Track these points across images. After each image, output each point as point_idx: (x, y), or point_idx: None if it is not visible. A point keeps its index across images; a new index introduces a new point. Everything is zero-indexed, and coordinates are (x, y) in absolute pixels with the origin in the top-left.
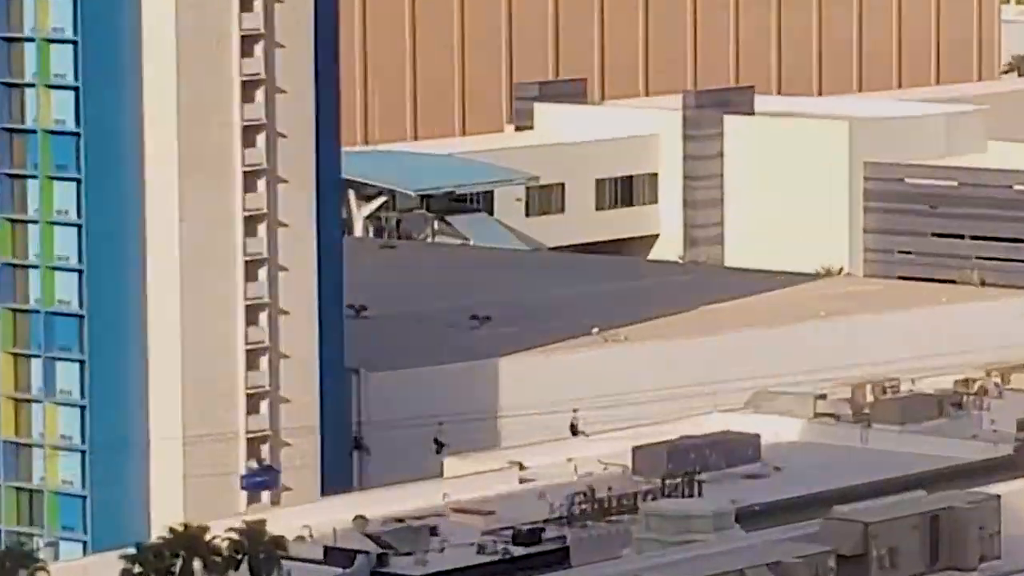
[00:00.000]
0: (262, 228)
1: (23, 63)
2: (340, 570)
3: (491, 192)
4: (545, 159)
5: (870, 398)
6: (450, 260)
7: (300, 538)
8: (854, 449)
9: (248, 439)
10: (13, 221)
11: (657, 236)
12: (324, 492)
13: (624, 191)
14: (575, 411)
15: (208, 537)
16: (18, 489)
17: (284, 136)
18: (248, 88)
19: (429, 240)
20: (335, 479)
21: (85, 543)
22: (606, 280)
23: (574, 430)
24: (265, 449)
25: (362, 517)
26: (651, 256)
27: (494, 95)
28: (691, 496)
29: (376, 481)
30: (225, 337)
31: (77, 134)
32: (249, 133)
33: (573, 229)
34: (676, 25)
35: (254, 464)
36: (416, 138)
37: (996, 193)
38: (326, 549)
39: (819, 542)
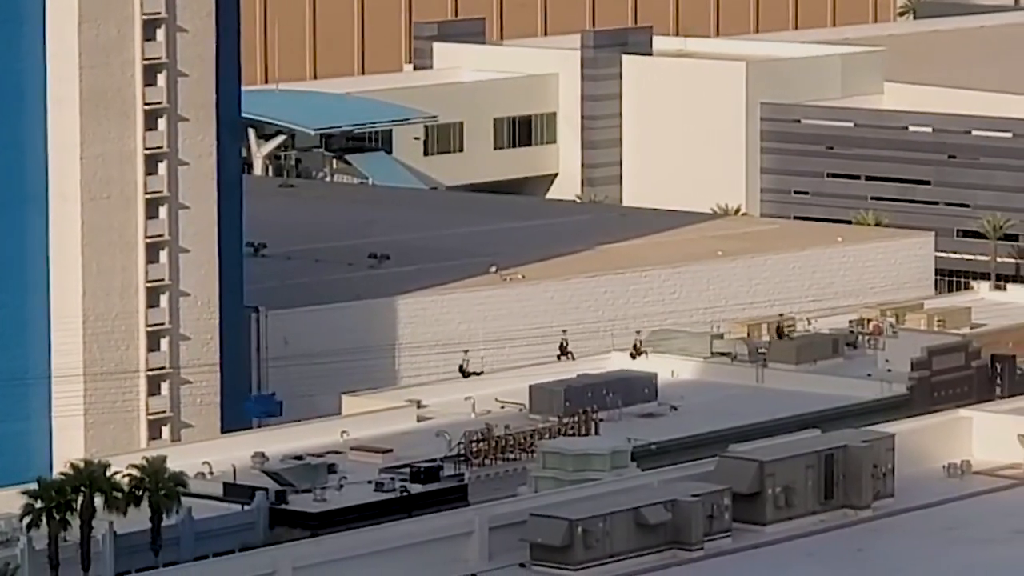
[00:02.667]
0: (163, 167)
1: None
2: (240, 507)
3: (390, 131)
4: (443, 98)
5: (766, 338)
6: (349, 199)
7: (200, 475)
8: (750, 388)
9: (148, 376)
10: None
11: (555, 176)
12: (223, 429)
13: (522, 131)
14: (466, 352)
15: (109, 473)
16: None
17: (185, 75)
18: (149, 28)
19: (328, 179)
20: (234, 416)
21: None
22: (504, 219)
23: (464, 372)
24: (165, 386)
25: (261, 454)
26: (549, 195)
27: (393, 34)
28: (588, 435)
29: (275, 418)
30: (125, 275)
31: None
32: (150, 72)
33: (471, 168)
34: None
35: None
36: (315, 77)
37: (891, 135)
38: (226, 486)
39: (715, 480)
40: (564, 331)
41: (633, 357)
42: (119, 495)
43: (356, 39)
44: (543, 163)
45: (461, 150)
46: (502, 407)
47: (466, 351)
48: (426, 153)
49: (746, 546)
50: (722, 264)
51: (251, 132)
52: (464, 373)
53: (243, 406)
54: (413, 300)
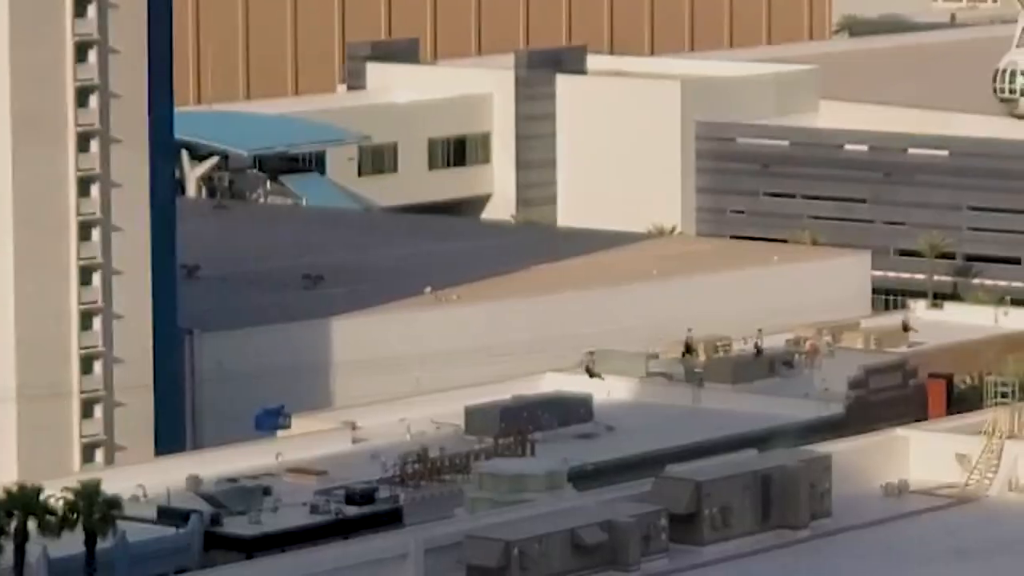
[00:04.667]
0: (95, 189)
1: None
2: (174, 530)
3: (323, 152)
4: (377, 119)
5: (702, 357)
6: (283, 220)
7: (134, 498)
8: (686, 408)
9: (82, 399)
10: None
11: (490, 196)
12: (158, 452)
13: (457, 151)
14: (591, 353)
15: (43, 497)
16: None
17: (117, 97)
18: (81, 50)
19: (262, 200)
20: (168, 439)
21: None
22: (439, 240)
23: (590, 372)
24: (99, 409)
25: (196, 477)
26: (484, 216)
27: (326, 55)
28: (524, 456)
29: (209, 441)
30: (59, 298)
31: None
32: (82, 95)
33: (406, 189)
34: None
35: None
36: (249, 98)
37: (827, 153)
38: (160, 509)
39: (651, 501)
40: (591, 352)
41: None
42: (53, 519)
43: (289, 60)
44: (478, 183)
45: (395, 171)
46: (437, 428)
47: (591, 352)
48: (360, 174)
49: (683, 567)
50: (658, 284)
51: (184, 154)
52: (590, 373)
53: (254, 418)
54: (348, 321)
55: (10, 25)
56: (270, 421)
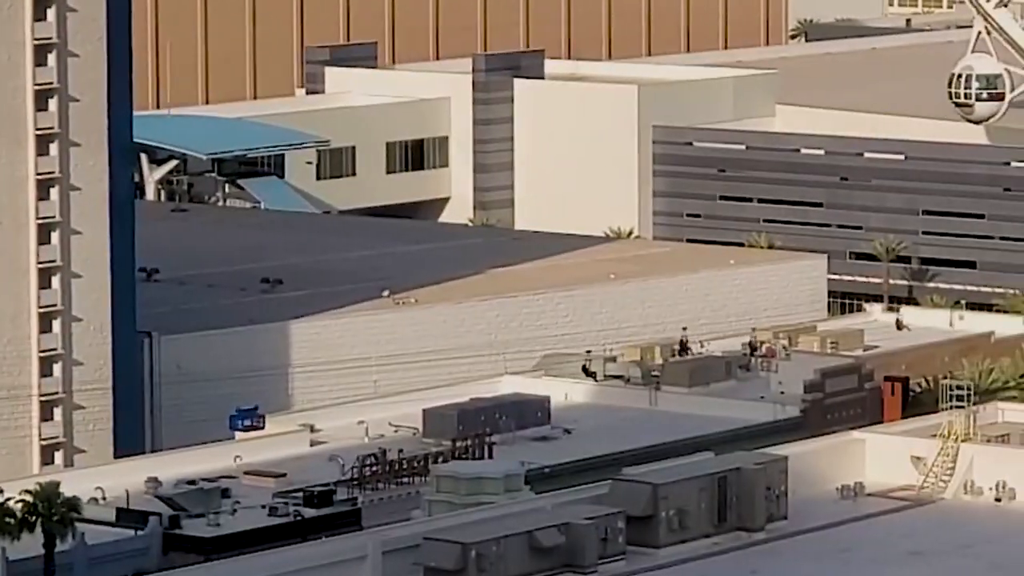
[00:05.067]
0: (55, 191)
1: None
2: (133, 532)
3: (282, 156)
4: (336, 123)
5: (659, 360)
6: (241, 224)
7: (94, 500)
8: (643, 411)
9: (41, 401)
10: None
11: (448, 199)
12: (117, 454)
13: (415, 154)
14: (588, 351)
15: (1, 499)
16: None
17: (76, 100)
18: (40, 53)
19: (220, 204)
20: (128, 441)
21: None
22: (397, 243)
23: (586, 371)
24: (58, 412)
25: (155, 479)
26: (441, 219)
27: (285, 59)
28: (481, 458)
29: (168, 443)
30: (18, 300)
31: None
32: (41, 97)
33: (364, 192)
34: None
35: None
36: (207, 102)
37: (784, 157)
38: (119, 511)
39: (608, 504)
40: (684, 328)
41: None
42: (12, 521)
43: (248, 64)
44: (435, 187)
45: (353, 174)
46: (395, 431)
47: (684, 328)
48: (319, 177)
49: (640, 569)
50: (615, 287)
51: (143, 157)
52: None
53: (228, 418)
54: (306, 324)
55: None
56: (244, 421)
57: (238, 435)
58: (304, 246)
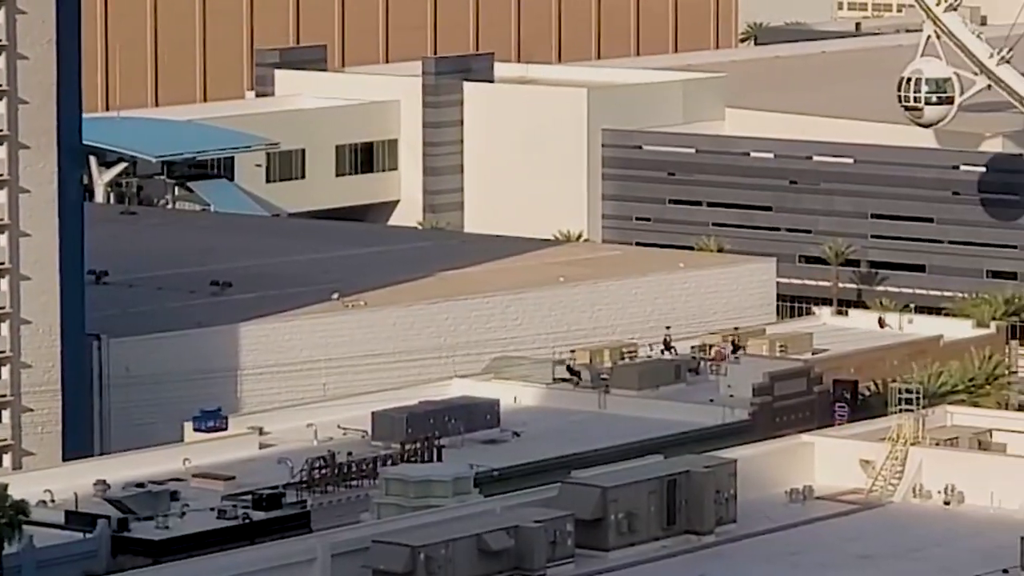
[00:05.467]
0: (3, 194)
1: None
2: (82, 535)
3: (232, 158)
4: (285, 125)
5: (608, 363)
6: (191, 226)
7: (42, 502)
8: (592, 414)
9: None
10: None
11: (397, 202)
12: (65, 457)
13: (364, 157)
14: (572, 351)
15: None
16: None
17: (26, 102)
18: None
19: (170, 206)
20: (76, 444)
21: None
22: (346, 246)
23: (571, 371)
24: (6, 414)
25: (103, 482)
26: (391, 222)
27: (235, 62)
28: (430, 461)
29: (117, 446)
30: None
31: None
32: None
33: (313, 195)
34: None
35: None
36: (157, 104)
37: (733, 161)
38: (67, 513)
39: (557, 507)
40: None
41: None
42: None
43: (198, 66)
44: (385, 190)
45: (303, 177)
46: (344, 434)
47: (572, 350)
48: (268, 180)
49: (589, 572)
50: (564, 290)
51: (92, 159)
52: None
53: (192, 419)
54: (255, 327)
55: None
56: (208, 422)
57: (187, 437)
58: (253, 249)
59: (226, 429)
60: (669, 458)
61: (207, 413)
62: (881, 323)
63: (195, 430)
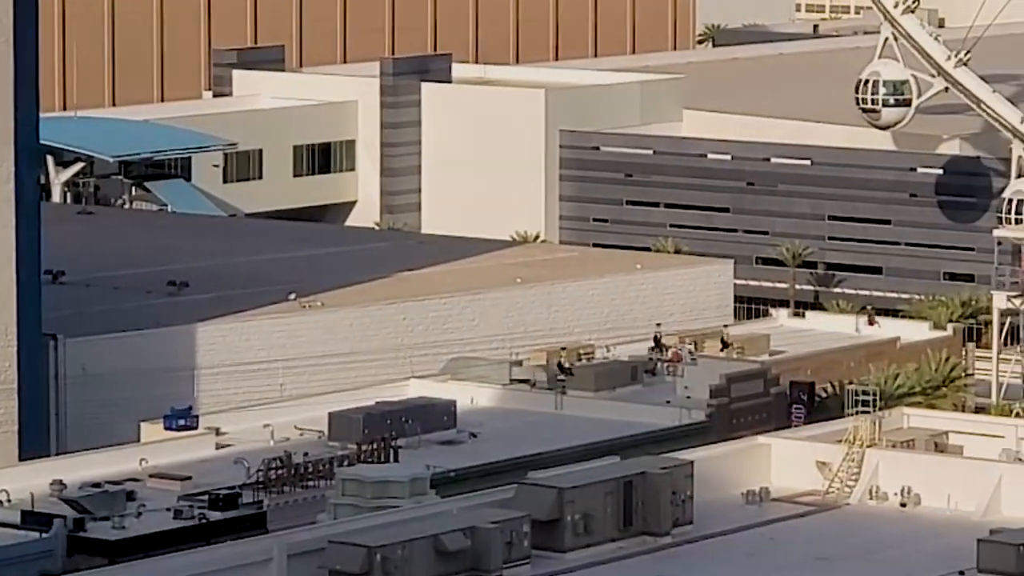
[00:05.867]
0: None
1: None
2: (37, 534)
3: (189, 158)
4: (243, 125)
5: (565, 364)
6: (148, 226)
7: None
8: (549, 415)
9: None
10: None
11: (354, 203)
12: (22, 456)
13: (322, 158)
14: (659, 325)
15: None
16: None
17: None
18: None
19: (127, 206)
20: (32, 443)
21: None
22: (303, 246)
23: (561, 368)
24: None
25: (59, 481)
26: (348, 223)
27: (192, 61)
28: (387, 462)
29: (73, 446)
30: None
31: None
32: None
33: (271, 195)
34: None
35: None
36: (114, 104)
37: (690, 162)
38: (23, 513)
39: (514, 507)
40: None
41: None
42: None
43: (155, 66)
44: (342, 190)
45: (260, 177)
46: (301, 434)
47: (563, 348)
48: (225, 180)
49: (545, 573)
50: (521, 291)
51: (50, 159)
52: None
53: (163, 418)
54: (212, 327)
55: None
56: (179, 421)
57: (143, 437)
58: (210, 249)
59: (196, 428)
60: (626, 459)
61: (177, 412)
62: (871, 320)
63: (165, 428)
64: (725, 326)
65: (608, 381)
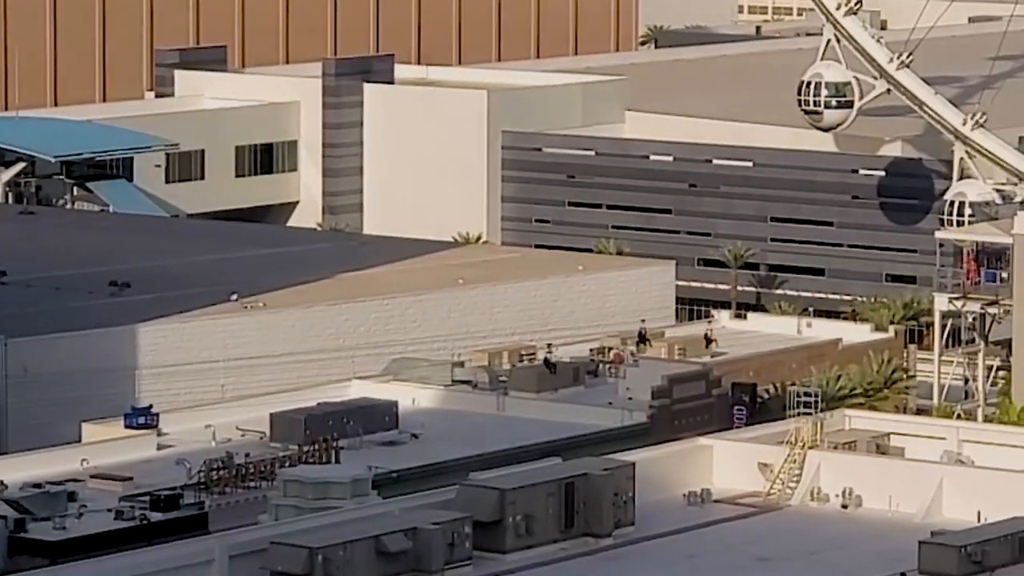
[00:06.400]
0: None
1: None
2: None
3: (131, 159)
4: (185, 126)
5: (507, 366)
6: (89, 226)
7: None
8: (491, 416)
9: None
10: None
11: (297, 203)
12: None
13: (264, 158)
14: (548, 345)
15: None
16: None
17: None
18: None
19: (69, 206)
20: None
21: None
22: (245, 247)
23: (548, 364)
24: None
25: (0, 482)
26: (290, 223)
27: (134, 62)
28: (328, 463)
29: (15, 446)
30: None
31: None
32: None
33: (213, 196)
34: None
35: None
36: (56, 104)
37: (633, 163)
38: None
39: (456, 509)
40: (550, 344)
41: (548, 366)
42: None
43: (97, 66)
44: (284, 191)
45: (202, 178)
46: (243, 435)
47: (549, 344)
48: (167, 180)
49: (487, 574)
50: (463, 292)
51: None
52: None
53: (124, 416)
54: (154, 328)
55: None
56: (139, 419)
57: (85, 438)
58: (152, 249)
59: (156, 426)
60: (567, 460)
61: (138, 410)
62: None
63: (126, 427)
64: (709, 322)
65: (550, 382)
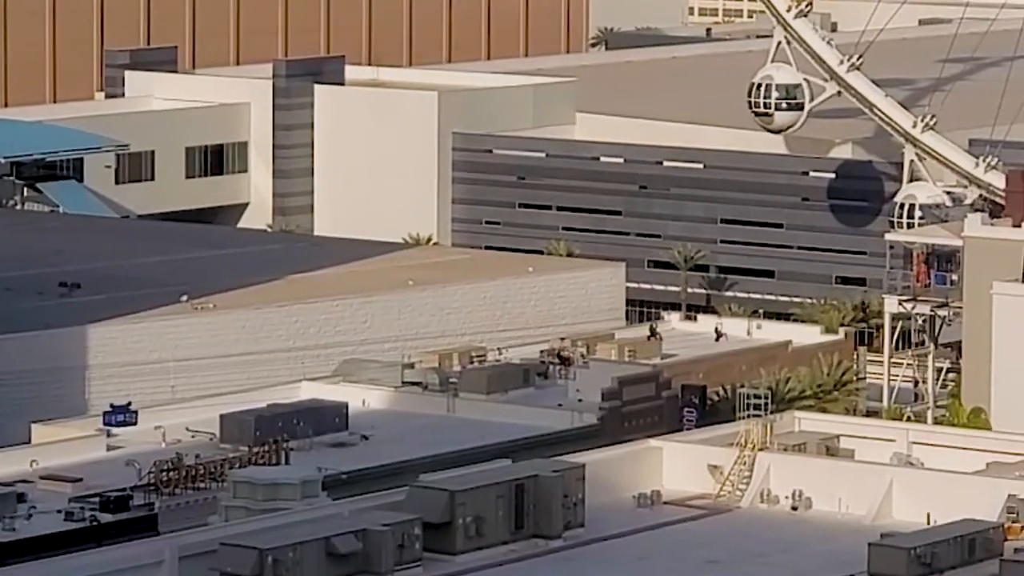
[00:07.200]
0: None
1: None
2: None
3: (81, 159)
4: (135, 127)
5: (457, 367)
6: (39, 227)
7: None
8: (441, 418)
9: None
10: None
11: (247, 205)
12: None
13: (214, 159)
14: (562, 339)
15: None
16: None
17: None
18: None
19: (18, 207)
20: None
21: None
22: (195, 248)
23: (560, 358)
24: None
25: None
26: (240, 224)
27: (84, 62)
28: (278, 464)
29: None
30: None
31: None
32: None
33: (163, 197)
34: None
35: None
36: (6, 105)
37: (583, 165)
38: None
39: (405, 510)
40: (562, 339)
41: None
42: None
43: (47, 66)
44: (235, 192)
45: (153, 179)
46: (193, 436)
47: (563, 338)
48: (118, 181)
49: (437, 575)
50: (413, 294)
51: None
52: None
53: (103, 414)
54: (104, 329)
55: None
56: (118, 417)
57: (34, 439)
58: (102, 250)
59: (135, 424)
60: (517, 462)
61: (117, 408)
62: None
63: (105, 424)
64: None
65: (500, 384)
